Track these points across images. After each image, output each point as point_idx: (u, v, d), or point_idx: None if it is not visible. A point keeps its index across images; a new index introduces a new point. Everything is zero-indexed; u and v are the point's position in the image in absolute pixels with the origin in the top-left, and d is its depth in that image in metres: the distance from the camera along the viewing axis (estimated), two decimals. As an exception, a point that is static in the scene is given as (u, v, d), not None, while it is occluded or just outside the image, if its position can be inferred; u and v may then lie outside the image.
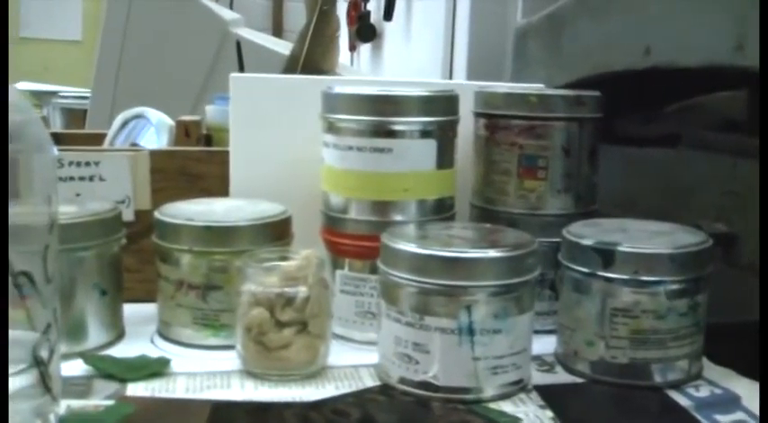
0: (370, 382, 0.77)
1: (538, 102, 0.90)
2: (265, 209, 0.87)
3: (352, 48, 3.01)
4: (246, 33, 1.87)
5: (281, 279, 0.76)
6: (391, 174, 0.84)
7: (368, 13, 2.76)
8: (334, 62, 1.86)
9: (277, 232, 0.86)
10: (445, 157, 0.87)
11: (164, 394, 0.73)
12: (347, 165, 0.85)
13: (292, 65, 1.77)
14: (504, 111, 0.91)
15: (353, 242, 0.86)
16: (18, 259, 0.55)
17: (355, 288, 0.86)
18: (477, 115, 0.95)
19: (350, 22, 2.87)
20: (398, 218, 0.85)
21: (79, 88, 3.40)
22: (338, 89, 0.87)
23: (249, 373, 0.77)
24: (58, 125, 3.32)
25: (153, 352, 0.82)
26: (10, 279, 0.54)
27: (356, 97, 0.85)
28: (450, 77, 1.94)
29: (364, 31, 2.75)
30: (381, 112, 0.84)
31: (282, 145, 0.98)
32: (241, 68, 1.59)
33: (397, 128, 0.84)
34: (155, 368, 0.77)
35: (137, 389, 0.74)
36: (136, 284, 0.92)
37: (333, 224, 0.88)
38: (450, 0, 1.96)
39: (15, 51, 4.48)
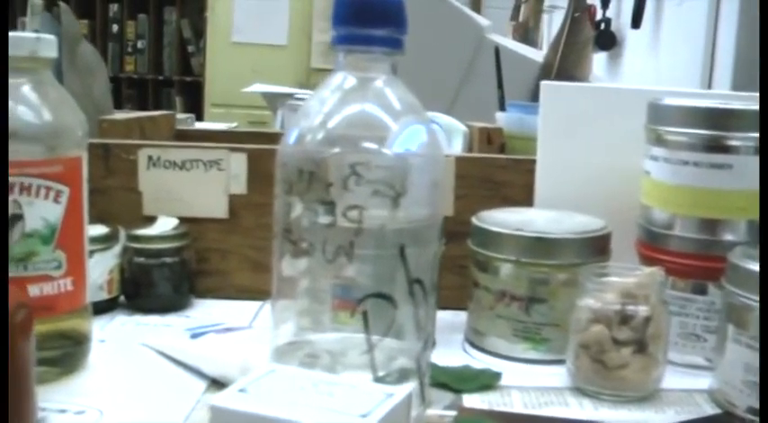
0: (708, 408, 0.74)
1: None
2: (585, 222, 0.85)
3: (586, 55, 2.96)
4: (500, 40, 1.86)
5: (620, 296, 0.74)
6: (729, 191, 0.80)
7: (608, 20, 2.70)
8: (587, 70, 1.83)
9: (600, 247, 0.83)
10: (780, 176, 0.82)
11: (502, 408, 0.71)
12: (680, 180, 0.82)
13: (546, 72, 1.74)
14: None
15: (678, 260, 0.82)
16: (414, 267, 0.55)
17: (680, 308, 0.82)
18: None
19: (584, 30, 2.82)
20: (728, 237, 0.81)
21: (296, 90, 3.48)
22: (669, 100, 0.84)
23: (579, 390, 0.75)
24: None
25: (466, 361, 0.81)
26: (407, 286, 0.54)
27: (691, 110, 0.81)
28: (710, 88, 1.86)
29: (604, 39, 2.69)
30: (719, 126, 0.80)
31: (591, 155, 0.95)
32: (499, 75, 1.57)
33: (733, 143, 0.80)
34: (486, 380, 0.76)
35: (473, 401, 0.73)
36: (436, 291, 0.91)
37: (654, 240, 0.85)
38: (712, 7, 1.89)
39: (227, 55, 4.67)
